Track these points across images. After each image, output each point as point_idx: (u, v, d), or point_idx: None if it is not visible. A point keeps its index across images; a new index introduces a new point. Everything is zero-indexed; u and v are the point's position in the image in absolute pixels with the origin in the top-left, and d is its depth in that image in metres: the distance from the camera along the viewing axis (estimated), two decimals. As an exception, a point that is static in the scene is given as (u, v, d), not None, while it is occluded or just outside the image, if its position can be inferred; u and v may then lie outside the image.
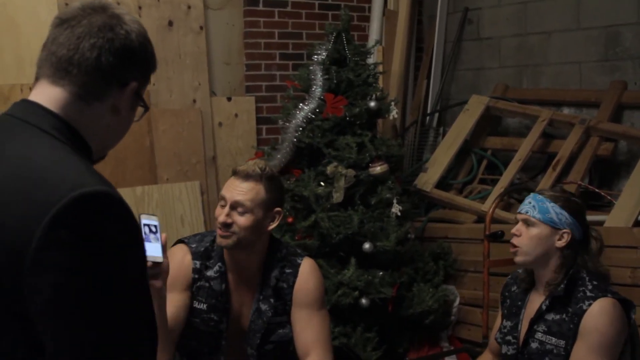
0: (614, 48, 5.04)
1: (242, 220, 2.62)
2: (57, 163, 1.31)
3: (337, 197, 4.28)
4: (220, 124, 5.09)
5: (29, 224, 1.23)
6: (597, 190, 4.65)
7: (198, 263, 2.71)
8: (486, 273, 4.01)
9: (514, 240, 2.64)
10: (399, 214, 4.41)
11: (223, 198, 2.66)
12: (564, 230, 2.58)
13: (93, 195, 1.26)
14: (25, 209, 1.25)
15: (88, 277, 1.24)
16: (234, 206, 2.62)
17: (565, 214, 2.58)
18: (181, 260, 2.70)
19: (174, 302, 2.64)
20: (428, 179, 5.16)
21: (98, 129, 1.45)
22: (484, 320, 4.03)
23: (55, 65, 1.42)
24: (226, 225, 2.62)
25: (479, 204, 4.93)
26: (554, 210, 2.58)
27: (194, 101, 4.97)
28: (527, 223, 2.62)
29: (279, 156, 4.40)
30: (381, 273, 4.30)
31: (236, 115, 5.16)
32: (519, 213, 2.66)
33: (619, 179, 4.96)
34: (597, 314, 2.46)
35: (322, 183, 4.33)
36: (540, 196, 2.64)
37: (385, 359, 4.34)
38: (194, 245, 2.73)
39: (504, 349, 2.70)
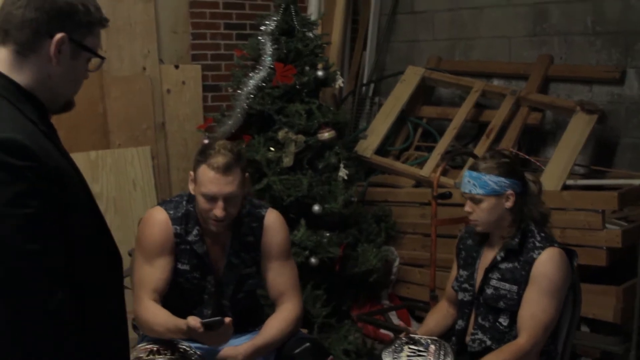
0: (541, 24, 5.34)
1: (234, 208, 2.80)
2: None
3: (287, 161, 4.46)
4: (168, 90, 5.20)
5: None
6: (526, 157, 4.95)
7: (178, 228, 2.88)
8: (434, 232, 4.25)
9: (471, 217, 2.87)
10: (345, 177, 4.61)
11: (209, 194, 2.74)
12: (508, 192, 2.82)
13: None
14: None
15: None
16: (226, 199, 2.74)
17: (502, 179, 2.81)
18: (165, 227, 2.87)
19: (164, 266, 2.85)
20: (368, 146, 5.38)
21: (41, 80, 1.68)
22: (432, 276, 4.28)
23: (0, 28, 1.67)
24: (222, 219, 2.78)
25: (417, 169, 5.19)
26: (492, 181, 2.81)
27: (144, 69, 5.06)
28: (474, 200, 2.85)
29: (229, 122, 4.53)
30: (328, 234, 4.50)
31: (183, 82, 5.28)
32: (464, 193, 2.87)
33: (545, 147, 5.28)
34: (546, 262, 2.74)
35: (272, 148, 4.51)
36: (475, 173, 2.84)
37: (332, 316, 4.58)
38: (171, 212, 2.90)
39: (461, 295, 2.97)
